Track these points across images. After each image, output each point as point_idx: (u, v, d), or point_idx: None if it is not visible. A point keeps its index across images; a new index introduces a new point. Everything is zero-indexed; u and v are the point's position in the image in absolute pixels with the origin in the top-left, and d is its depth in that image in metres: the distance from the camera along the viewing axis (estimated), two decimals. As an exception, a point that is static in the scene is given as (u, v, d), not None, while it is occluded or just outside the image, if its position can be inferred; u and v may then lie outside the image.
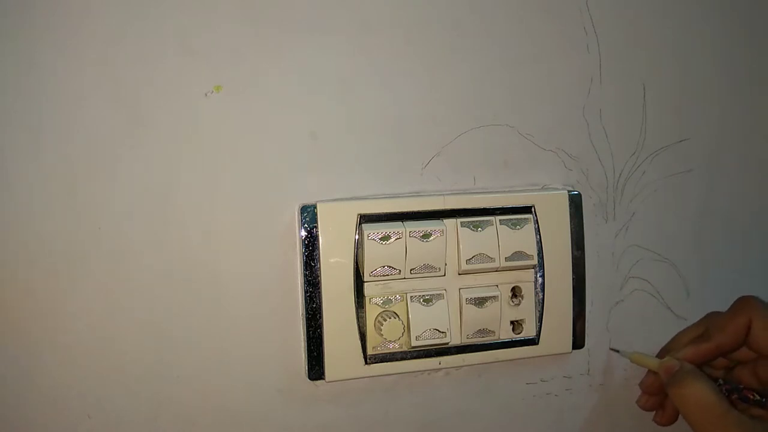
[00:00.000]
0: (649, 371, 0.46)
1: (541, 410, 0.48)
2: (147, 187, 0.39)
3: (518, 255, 0.43)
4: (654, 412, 0.47)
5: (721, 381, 0.44)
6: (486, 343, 0.44)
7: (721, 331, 0.43)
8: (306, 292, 0.41)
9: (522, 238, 0.43)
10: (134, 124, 0.38)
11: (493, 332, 0.43)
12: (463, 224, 0.42)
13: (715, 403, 0.39)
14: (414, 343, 0.42)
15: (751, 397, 0.42)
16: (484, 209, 0.43)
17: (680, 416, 0.43)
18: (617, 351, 0.48)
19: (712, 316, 0.45)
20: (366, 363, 0.42)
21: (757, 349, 0.42)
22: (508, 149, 0.45)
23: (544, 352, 0.45)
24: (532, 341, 0.45)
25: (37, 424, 0.39)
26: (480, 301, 0.43)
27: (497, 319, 0.43)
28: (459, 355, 0.44)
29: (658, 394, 0.46)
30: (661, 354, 0.47)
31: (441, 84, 0.43)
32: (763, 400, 0.42)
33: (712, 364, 0.45)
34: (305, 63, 0.40)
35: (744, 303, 0.43)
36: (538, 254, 0.44)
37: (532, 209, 0.44)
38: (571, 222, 0.45)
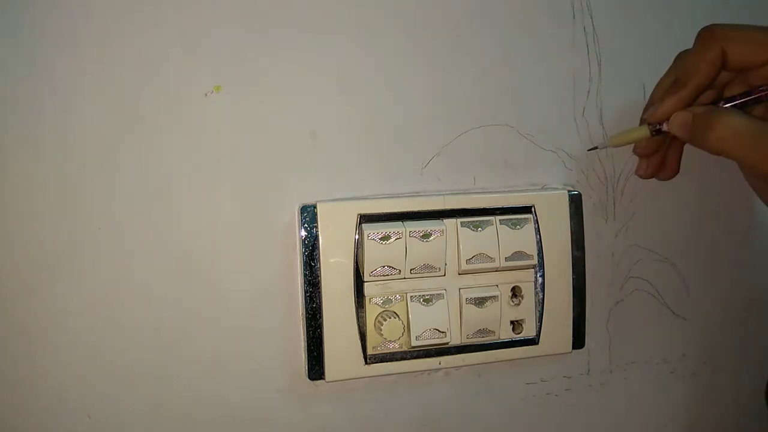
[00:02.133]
0: (641, 143, 0.44)
1: (541, 410, 0.48)
2: (147, 187, 0.39)
3: (518, 255, 0.43)
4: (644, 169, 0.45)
5: (723, 102, 0.41)
6: (486, 343, 0.44)
7: (695, 73, 0.40)
8: (306, 292, 0.41)
9: (522, 238, 0.43)
10: (134, 124, 0.38)
11: (493, 332, 0.43)
12: (463, 224, 0.42)
13: (751, 124, 0.37)
14: (414, 343, 0.42)
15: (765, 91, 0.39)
16: (484, 209, 0.43)
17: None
18: (595, 147, 0.45)
19: (679, 60, 0.42)
20: (366, 363, 0.42)
21: (741, 67, 0.40)
22: (508, 149, 0.45)
23: (544, 352, 0.45)
24: (532, 341, 0.45)
25: (37, 424, 0.39)
26: (480, 301, 0.43)
27: (497, 319, 0.43)
28: (459, 355, 0.44)
29: (655, 154, 0.44)
30: (642, 117, 0.43)
31: (441, 84, 0.43)
32: None
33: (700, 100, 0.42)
34: (305, 63, 0.40)
35: (708, 35, 0.40)
36: (538, 254, 0.44)
37: (532, 209, 0.44)
38: (571, 222, 0.45)
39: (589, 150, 0.45)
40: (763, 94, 0.39)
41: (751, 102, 0.40)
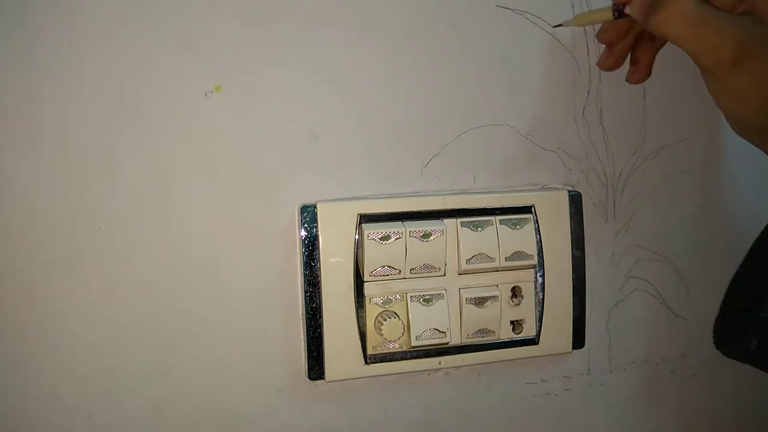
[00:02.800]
0: (605, 27, 0.42)
1: (541, 410, 0.48)
2: (147, 187, 0.39)
3: (518, 255, 0.43)
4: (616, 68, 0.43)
5: None
6: (486, 343, 0.44)
7: None
8: (306, 292, 0.41)
9: (522, 238, 0.43)
10: (134, 124, 0.38)
11: (493, 332, 0.43)
12: (463, 224, 0.42)
13: (701, 9, 0.35)
14: (414, 343, 0.42)
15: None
16: (484, 209, 0.43)
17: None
18: (560, 25, 0.43)
19: None
20: (366, 363, 0.42)
21: None
22: (508, 149, 0.45)
23: (544, 352, 0.45)
24: (532, 341, 0.45)
25: (37, 424, 0.39)
26: (480, 301, 0.43)
27: (497, 319, 0.43)
28: (459, 355, 0.44)
29: (620, 42, 0.42)
30: None
31: (441, 84, 0.43)
32: None
33: None
34: (305, 63, 0.40)
35: None
36: (538, 254, 0.44)
37: (532, 209, 0.44)
38: (571, 222, 0.45)
39: (554, 26, 0.43)
40: None
41: None
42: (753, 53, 0.34)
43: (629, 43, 0.42)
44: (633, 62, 0.43)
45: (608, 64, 0.43)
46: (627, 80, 0.43)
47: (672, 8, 0.36)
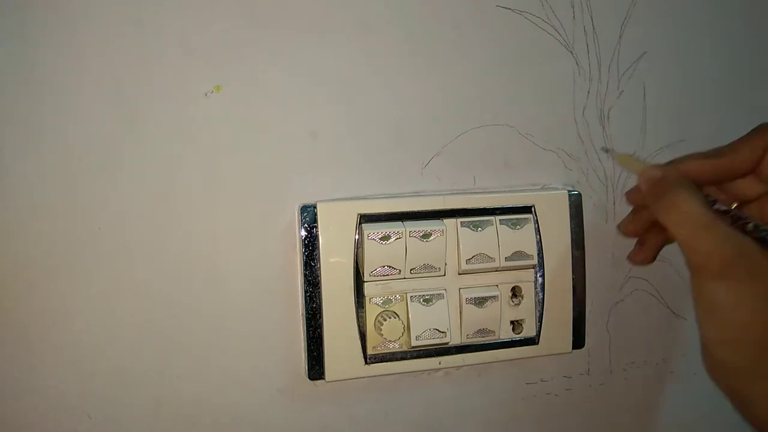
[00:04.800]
0: (635, 187, 0.40)
1: (541, 410, 0.48)
2: (147, 187, 0.39)
3: (518, 255, 0.43)
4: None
5: (719, 204, 0.38)
6: (486, 343, 0.44)
7: (733, 150, 0.38)
8: (306, 292, 0.41)
9: (522, 238, 0.43)
10: (134, 123, 0.38)
11: (493, 332, 0.43)
12: (463, 224, 0.42)
13: (701, 213, 0.34)
14: (414, 343, 0.42)
15: (752, 226, 0.36)
16: (484, 209, 0.43)
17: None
18: (607, 150, 0.44)
19: (722, 146, 0.39)
20: (366, 363, 0.42)
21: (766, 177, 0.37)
22: (508, 149, 0.45)
23: (544, 352, 0.45)
24: (532, 341, 0.45)
25: (37, 424, 0.39)
26: (480, 301, 0.43)
27: (497, 319, 0.43)
28: (459, 355, 0.44)
29: (641, 208, 0.41)
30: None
31: (441, 84, 0.43)
32: (759, 230, 0.35)
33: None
34: (305, 63, 0.40)
35: (763, 127, 0.38)
36: (538, 254, 0.44)
37: (532, 209, 0.44)
38: (571, 222, 0.45)
39: (602, 148, 0.45)
40: (750, 223, 0.36)
41: (739, 226, 0.36)
42: (737, 275, 0.34)
43: (646, 222, 0.41)
44: (638, 242, 0.41)
45: (628, 230, 0.41)
46: (627, 258, 0.42)
47: (675, 201, 0.35)
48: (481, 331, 0.43)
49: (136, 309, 0.40)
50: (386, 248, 0.41)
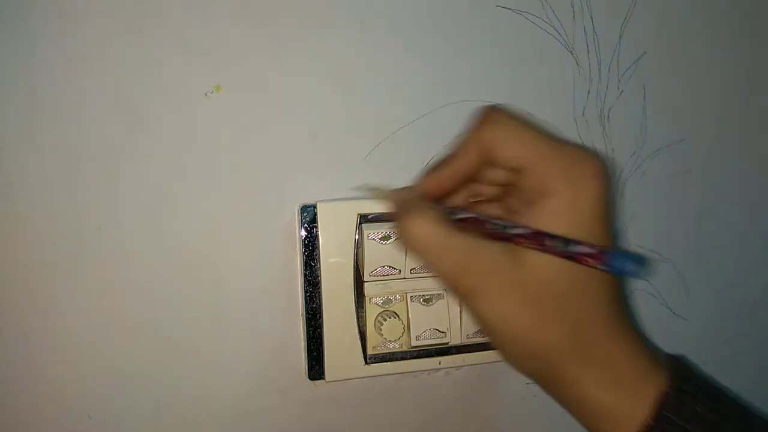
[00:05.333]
0: None
1: (541, 410, 0.48)
2: (147, 187, 0.39)
3: (518, 255, 0.43)
4: None
5: (460, 213, 0.36)
6: (486, 342, 0.44)
7: (454, 156, 0.36)
8: (306, 291, 0.41)
9: (522, 238, 0.43)
10: (134, 124, 0.38)
11: (493, 332, 0.43)
12: (463, 224, 0.42)
13: (434, 233, 0.33)
14: (414, 342, 0.42)
15: (491, 226, 0.33)
16: (484, 209, 0.43)
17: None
18: (360, 189, 0.41)
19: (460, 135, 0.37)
20: (366, 363, 0.42)
21: (503, 162, 0.34)
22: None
23: (544, 352, 0.45)
24: (532, 341, 0.45)
25: (37, 424, 0.39)
26: (480, 301, 0.43)
27: (497, 319, 0.43)
28: (459, 354, 0.44)
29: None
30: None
31: (441, 84, 0.43)
32: (505, 226, 0.33)
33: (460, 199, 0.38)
34: (305, 63, 0.40)
35: (480, 116, 0.35)
36: (538, 254, 0.44)
37: (532, 209, 0.44)
38: (571, 222, 0.45)
39: (353, 188, 0.41)
40: (486, 224, 0.34)
41: (488, 230, 0.34)
42: (490, 290, 0.32)
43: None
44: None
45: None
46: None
47: (410, 229, 0.33)
48: (482, 331, 0.43)
49: (136, 309, 0.40)
50: (386, 248, 0.41)
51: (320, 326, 0.41)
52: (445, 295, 0.42)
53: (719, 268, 0.51)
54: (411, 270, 0.41)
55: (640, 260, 0.30)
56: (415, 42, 0.42)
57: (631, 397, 0.33)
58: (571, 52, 0.45)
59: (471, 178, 0.36)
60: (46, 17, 0.36)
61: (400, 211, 0.35)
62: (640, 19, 0.46)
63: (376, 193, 0.39)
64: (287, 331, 0.42)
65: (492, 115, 0.34)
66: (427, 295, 0.42)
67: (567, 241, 0.30)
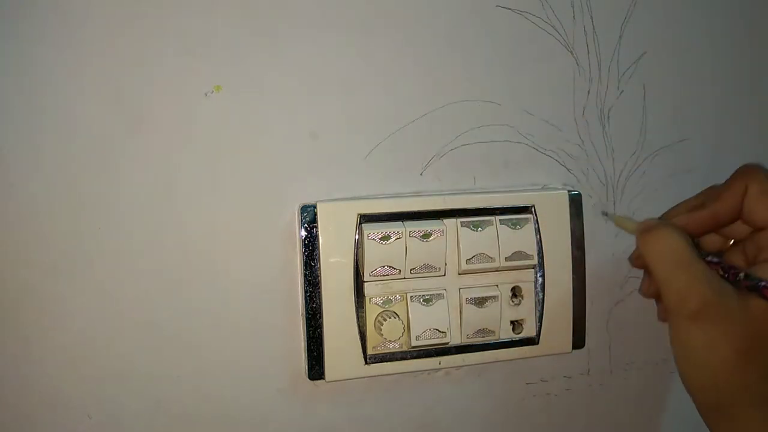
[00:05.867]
0: (636, 252, 0.43)
1: (541, 410, 0.48)
2: (147, 187, 0.39)
3: (518, 255, 0.43)
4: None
5: (711, 257, 0.38)
6: (486, 342, 0.44)
7: (716, 198, 0.39)
8: (306, 292, 0.41)
9: (522, 238, 0.43)
10: (134, 123, 0.38)
11: (493, 332, 0.43)
12: (463, 224, 0.42)
13: (682, 250, 0.35)
14: (414, 343, 0.42)
15: (743, 275, 0.36)
16: (484, 209, 0.43)
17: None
18: (606, 214, 0.46)
19: (711, 188, 0.42)
20: (366, 363, 0.42)
21: (750, 219, 0.38)
22: (508, 149, 0.45)
23: (544, 352, 0.45)
24: (532, 341, 0.45)
25: (37, 424, 0.39)
26: (480, 301, 0.43)
27: (497, 319, 0.43)
28: (459, 355, 0.44)
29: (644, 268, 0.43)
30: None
31: (441, 84, 0.43)
32: (750, 278, 0.36)
33: (706, 243, 0.42)
34: (305, 63, 0.40)
35: (743, 169, 0.39)
36: (538, 254, 0.44)
37: (532, 209, 0.44)
38: (571, 222, 0.45)
39: (602, 212, 0.46)
40: (736, 273, 0.36)
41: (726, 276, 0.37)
42: (712, 318, 0.34)
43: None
44: (657, 300, 0.43)
45: (644, 291, 0.44)
46: (639, 291, 0.45)
47: (655, 237, 0.37)
48: (481, 331, 0.43)
49: (135, 309, 0.40)
50: (386, 248, 0.41)
51: (320, 326, 0.41)
52: (445, 295, 0.42)
53: (719, 268, 0.51)
54: (411, 270, 0.41)
55: None
56: (415, 42, 0.42)
57: None
58: (571, 52, 0.45)
59: (724, 226, 0.40)
60: (46, 17, 0.36)
61: (649, 226, 0.37)
62: (640, 19, 0.46)
63: (622, 219, 0.43)
64: (287, 331, 0.42)
65: (755, 171, 0.39)
66: (427, 295, 0.42)
67: None
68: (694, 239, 0.39)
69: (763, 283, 0.35)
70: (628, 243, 0.48)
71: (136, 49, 0.38)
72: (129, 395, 0.40)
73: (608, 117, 0.47)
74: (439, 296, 0.42)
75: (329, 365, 0.42)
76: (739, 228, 0.40)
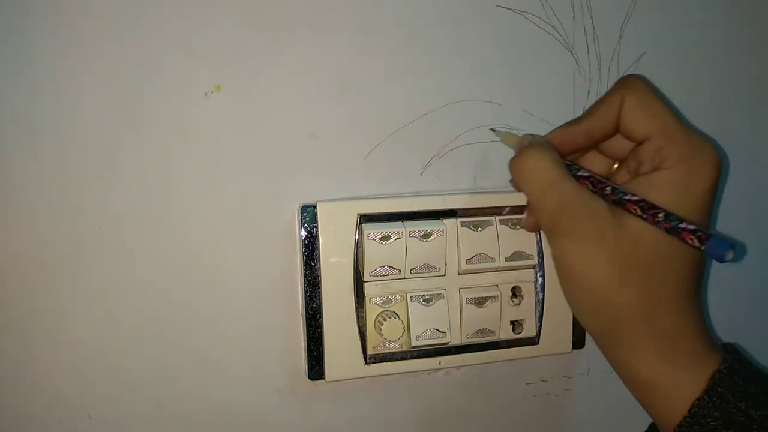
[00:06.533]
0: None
1: (541, 410, 0.48)
2: (147, 187, 0.39)
3: (518, 255, 0.43)
4: None
5: (582, 171, 0.37)
6: (486, 342, 0.44)
7: (590, 113, 0.37)
8: (306, 292, 0.41)
9: (522, 238, 0.43)
10: (134, 123, 0.38)
11: (493, 332, 0.43)
12: (463, 224, 0.42)
13: (548, 169, 0.34)
14: (414, 343, 0.42)
15: (609, 189, 0.34)
16: (484, 209, 0.43)
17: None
18: (494, 130, 0.43)
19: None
20: (366, 363, 0.42)
21: (628, 132, 0.36)
22: (508, 149, 0.45)
23: (544, 352, 0.45)
24: (532, 341, 0.45)
25: (37, 424, 0.39)
26: (480, 301, 0.43)
27: (497, 319, 0.43)
28: (459, 355, 0.44)
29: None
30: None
31: (441, 84, 0.43)
32: (615, 192, 0.34)
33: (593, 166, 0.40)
34: (305, 63, 0.40)
35: (620, 81, 0.37)
36: (538, 254, 0.44)
37: (532, 209, 0.44)
38: (571, 222, 0.45)
39: (490, 129, 0.43)
40: (609, 196, 0.35)
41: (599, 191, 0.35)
42: (585, 235, 0.34)
43: None
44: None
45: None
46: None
47: (524, 156, 0.36)
48: (481, 331, 0.43)
49: (136, 309, 0.40)
50: (386, 248, 0.41)
51: (320, 326, 0.41)
52: (445, 295, 0.42)
53: (719, 267, 0.51)
54: (411, 270, 0.41)
55: (737, 247, 0.32)
56: (415, 42, 0.42)
57: (685, 372, 0.34)
58: (571, 52, 0.45)
59: (599, 142, 0.38)
60: (46, 17, 0.36)
61: (520, 147, 0.36)
62: (640, 19, 0.46)
63: (506, 136, 0.41)
64: (287, 331, 0.42)
65: (631, 82, 0.36)
66: (427, 295, 0.42)
67: (672, 215, 0.32)
68: (571, 158, 0.38)
69: (627, 197, 0.33)
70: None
71: (136, 49, 0.38)
72: (129, 395, 0.40)
73: (608, 117, 0.47)
74: (439, 296, 0.42)
75: (329, 365, 0.42)
76: (623, 145, 0.38)
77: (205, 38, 0.39)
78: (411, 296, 0.42)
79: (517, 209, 0.44)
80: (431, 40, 0.42)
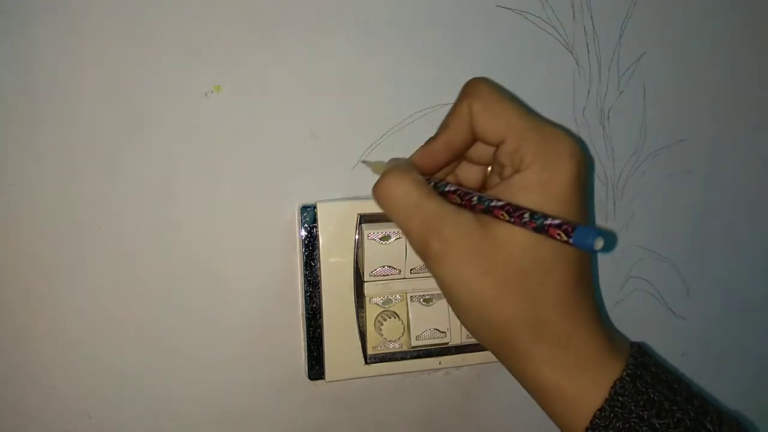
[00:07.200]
0: None
1: (541, 410, 0.48)
2: (147, 187, 0.39)
3: (518, 255, 0.43)
4: None
5: (449, 186, 0.35)
6: (486, 343, 0.44)
7: (445, 125, 0.36)
8: (306, 292, 0.41)
9: (522, 238, 0.43)
10: (134, 124, 0.38)
11: (493, 332, 0.43)
12: (463, 224, 0.42)
13: (406, 194, 0.33)
14: (414, 342, 0.42)
15: (476, 199, 0.33)
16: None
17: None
18: (365, 162, 0.42)
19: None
20: (366, 363, 0.42)
21: (484, 138, 0.35)
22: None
23: (544, 352, 0.45)
24: (532, 341, 0.45)
25: (37, 424, 0.39)
26: (480, 301, 0.43)
27: (497, 319, 0.43)
28: (459, 354, 0.44)
29: None
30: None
31: (441, 84, 0.43)
32: (482, 200, 0.33)
33: (468, 177, 0.39)
34: (305, 63, 0.40)
35: (464, 89, 0.36)
36: (538, 254, 0.44)
37: (532, 209, 0.44)
38: (571, 222, 0.45)
39: (361, 161, 0.42)
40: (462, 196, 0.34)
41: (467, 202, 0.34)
42: (457, 255, 0.32)
43: None
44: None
45: None
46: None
47: (383, 187, 0.34)
48: (445, 298, 0.43)
49: (136, 309, 0.40)
50: (386, 248, 0.41)
51: (320, 326, 0.41)
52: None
53: (719, 267, 0.51)
54: (411, 270, 0.41)
55: (606, 235, 0.30)
56: (414, 42, 0.42)
57: (584, 379, 0.33)
58: (571, 52, 0.45)
59: (461, 152, 0.37)
60: (46, 17, 0.36)
61: (383, 173, 0.35)
62: (640, 19, 0.46)
63: (375, 165, 0.40)
64: (287, 331, 0.42)
65: (474, 87, 0.35)
66: (427, 295, 0.42)
67: (537, 213, 0.31)
68: (444, 172, 0.37)
69: (493, 203, 0.32)
70: (628, 243, 0.48)
71: (136, 49, 0.38)
72: (129, 395, 0.40)
73: (608, 117, 0.47)
74: (439, 296, 0.42)
75: (329, 365, 0.42)
76: (487, 151, 0.36)
77: (205, 38, 0.39)
78: (411, 296, 0.42)
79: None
80: (431, 40, 0.42)
